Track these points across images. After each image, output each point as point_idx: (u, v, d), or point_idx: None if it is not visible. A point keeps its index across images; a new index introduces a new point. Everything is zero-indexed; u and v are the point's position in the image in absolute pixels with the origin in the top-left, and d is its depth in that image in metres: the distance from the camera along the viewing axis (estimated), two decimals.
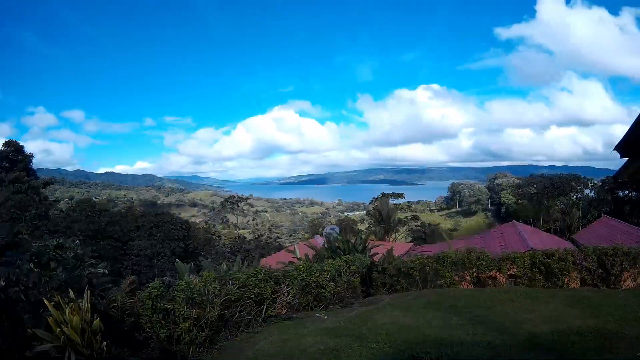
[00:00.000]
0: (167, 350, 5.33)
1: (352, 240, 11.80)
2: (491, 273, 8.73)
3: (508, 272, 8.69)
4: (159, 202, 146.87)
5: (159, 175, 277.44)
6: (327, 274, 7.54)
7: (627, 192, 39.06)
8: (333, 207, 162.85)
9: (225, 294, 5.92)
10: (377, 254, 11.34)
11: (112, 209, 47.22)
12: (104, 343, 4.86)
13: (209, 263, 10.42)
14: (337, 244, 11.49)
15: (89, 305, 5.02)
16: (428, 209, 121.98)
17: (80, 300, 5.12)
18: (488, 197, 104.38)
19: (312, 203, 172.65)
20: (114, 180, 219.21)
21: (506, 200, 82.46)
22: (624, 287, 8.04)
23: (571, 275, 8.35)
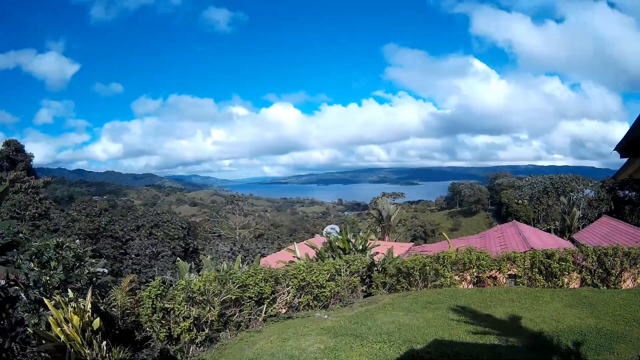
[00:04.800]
0: (167, 349, 5.33)
1: (352, 240, 11.78)
2: (491, 273, 8.72)
3: (508, 272, 8.69)
4: (159, 201, 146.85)
5: (159, 175, 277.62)
6: (327, 274, 7.54)
7: (627, 192, 39.00)
8: (333, 206, 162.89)
9: (225, 293, 5.91)
10: (377, 253, 11.33)
11: (112, 209, 47.19)
12: (104, 342, 4.87)
13: (209, 262, 10.41)
14: (337, 244, 11.48)
15: (89, 304, 5.03)
16: (428, 208, 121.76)
17: (81, 299, 5.13)
18: (488, 197, 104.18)
19: (312, 202, 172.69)
20: (114, 179, 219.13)
21: (506, 200, 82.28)
22: (624, 287, 8.03)
23: (571, 275, 8.34)
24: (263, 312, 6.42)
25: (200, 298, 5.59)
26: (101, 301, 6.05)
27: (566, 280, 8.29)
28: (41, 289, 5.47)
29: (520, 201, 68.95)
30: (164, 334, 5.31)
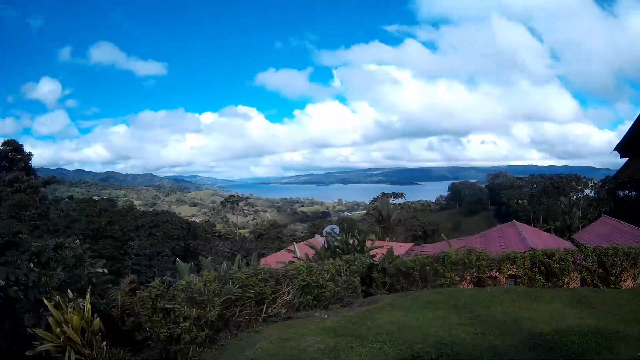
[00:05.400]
0: (167, 349, 5.33)
1: (352, 240, 11.80)
2: (491, 273, 8.72)
3: (508, 272, 8.69)
4: (159, 201, 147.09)
5: (159, 175, 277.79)
6: (327, 274, 7.54)
7: (627, 192, 39.01)
8: (333, 206, 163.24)
9: (225, 293, 5.91)
10: (377, 254, 11.34)
11: (112, 209, 47.19)
12: (104, 343, 4.87)
13: (209, 262, 10.42)
14: (336, 244, 11.49)
15: (89, 305, 5.03)
16: (428, 208, 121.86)
17: (80, 299, 5.13)
18: (488, 197, 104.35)
19: (312, 203, 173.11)
20: (114, 179, 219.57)
21: (506, 200, 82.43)
22: (624, 287, 8.03)
23: (571, 275, 8.34)
24: (263, 312, 6.42)
25: (201, 298, 5.59)
26: (101, 301, 6.05)
27: (566, 280, 8.29)
28: (41, 289, 5.47)
29: (520, 201, 69.05)
30: (164, 334, 5.31)
